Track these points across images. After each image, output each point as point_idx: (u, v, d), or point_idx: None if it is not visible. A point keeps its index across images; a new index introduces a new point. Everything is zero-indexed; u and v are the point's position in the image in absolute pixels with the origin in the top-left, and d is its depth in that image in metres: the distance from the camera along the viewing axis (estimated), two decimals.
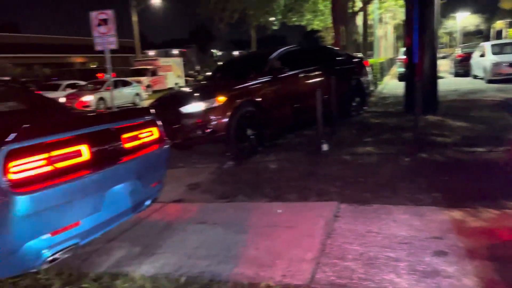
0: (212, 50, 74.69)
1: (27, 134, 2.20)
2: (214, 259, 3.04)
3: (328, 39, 32.71)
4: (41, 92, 17.74)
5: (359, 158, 5.37)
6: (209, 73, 10.88)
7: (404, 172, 4.65)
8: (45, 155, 2.27)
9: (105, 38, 10.09)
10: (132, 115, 3.26)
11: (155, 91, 26.50)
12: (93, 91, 18.34)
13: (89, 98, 17.51)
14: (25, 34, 42.91)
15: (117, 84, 18.32)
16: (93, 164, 2.55)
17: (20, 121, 2.61)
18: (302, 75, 7.02)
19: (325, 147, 5.67)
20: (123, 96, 19.02)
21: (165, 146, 3.39)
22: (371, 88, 11.38)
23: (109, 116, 3.12)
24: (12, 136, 2.13)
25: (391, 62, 27.32)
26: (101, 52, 10.45)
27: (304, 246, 3.10)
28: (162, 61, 31.33)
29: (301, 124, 7.11)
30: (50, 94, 18.97)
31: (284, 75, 6.63)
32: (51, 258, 2.37)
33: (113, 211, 2.81)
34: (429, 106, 7.84)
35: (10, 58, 36.85)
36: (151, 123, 3.29)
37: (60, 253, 2.43)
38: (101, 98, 17.92)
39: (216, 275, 2.79)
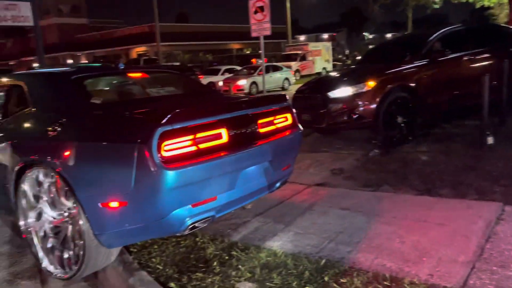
0: (363, 33, 72.18)
1: (178, 118, 2.45)
2: (356, 246, 3.00)
3: (501, 17, 28.29)
4: (203, 77, 19.81)
5: None
6: (359, 57, 10.55)
7: None
8: (191, 137, 2.51)
9: (261, 24, 10.63)
10: (269, 102, 3.34)
11: (303, 76, 26.98)
12: (247, 76, 19.66)
13: (243, 83, 18.87)
14: (193, 24, 48.01)
15: (268, 69, 19.24)
16: (230, 146, 2.74)
17: (175, 105, 2.95)
18: (466, 58, 6.25)
19: (490, 140, 4.99)
20: (274, 80, 19.93)
21: (298, 132, 3.44)
22: None
23: (247, 102, 3.25)
24: (165, 119, 2.39)
25: None
26: (256, 38, 11.06)
27: (457, 247, 2.82)
28: (312, 46, 31.58)
29: (461, 113, 6.39)
30: (211, 78, 21.00)
31: (445, 58, 6.01)
32: (191, 226, 2.63)
33: (245, 190, 2.98)
34: None
35: (180, 46, 41.80)
36: (286, 109, 3.37)
37: (198, 222, 2.67)
38: (254, 83, 19.10)
39: (357, 263, 2.76)
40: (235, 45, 47.40)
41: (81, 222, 2.66)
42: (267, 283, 2.59)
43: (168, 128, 2.39)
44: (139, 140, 2.38)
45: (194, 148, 2.52)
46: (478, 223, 3.14)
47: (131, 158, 2.37)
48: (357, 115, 5.54)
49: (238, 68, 22.74)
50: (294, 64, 27.26)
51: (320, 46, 32.63)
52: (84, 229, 2.65)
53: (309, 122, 6.21)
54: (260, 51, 11.47)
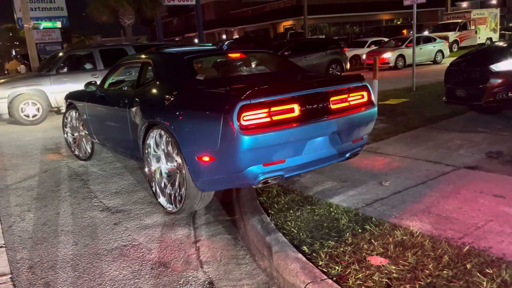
0: None
1: (255, 94, 2.99)
2: (508, 237, 2.69)
3: None
4: (347, 50, 19.24)
5: None
6: None
7: None
8: (266, 110, 3.03)
9: None
10: (344, 81, 3.72)
11: (462, 48, 24.09)
12: (393, 48, 18.36)
13: (388, 55, 17.71)
14: None
15: (418, 41, 17.56)
16: (301, 119, 3.18)
17: (260, 82, 3.57)
18: None
19: None
20: (424, 53, 18.13)
21: (372, 109, 3.76)
22: None
23: (322, 81, 3.64)
24: (245, 95, 2.95)
25: None
26: (409, 7, 10.23)
27: None
28: (475, 13, 27.75)
29: None
30: (356, 51, 20.38)
31: None
32: (263, 180, 3.21)
33: (312, 157, 3.45)
34: None
35: (327, 18, 41.19)
36: (363, 88, 3.72)
37: (270, 179, 3.24)
38: (401, 55, 17.78)
39: (508, 255, 2.48)
40: (384, 16, 44.60)
41: (183, 171, 3.45)
42: (401, 261, 2.53)
43: (247, 102, 2.95)
44: (224, 111, 2.98)
45: (268, 119, 3.04)
46: None
47: (218, 125, 3.02)
48: None
49: (386, 40, 21.42)
50: (452, 35, 24.47)
51: (486, 13, 28.43)
52: (186, 176, 3.42)
53: (464, 98, 5.63)
54: (412, 21, 10.61)
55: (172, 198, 3.76)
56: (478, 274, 2.31)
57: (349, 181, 4.08)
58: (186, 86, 3.81)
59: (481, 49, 7.22)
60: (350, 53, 19.42)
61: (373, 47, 20.43)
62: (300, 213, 3.38)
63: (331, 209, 3.41)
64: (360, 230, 2.99)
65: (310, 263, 2.56)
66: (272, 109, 3.05)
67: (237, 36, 42.43)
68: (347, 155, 3.78)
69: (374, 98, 3.85)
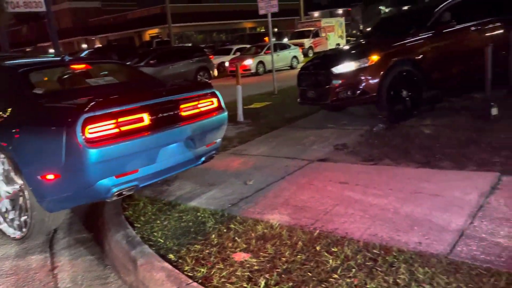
0: (379, 7, 70.30)
1: (99, 106, 2.93)
2: (350, 217, 3.07)
3: None
4: (213, 57, 19.68)
5: None
6: (368, 29, 10.32)
7: None
8: (113, 121, 2.97)
9: (268, 1, 10.51)
10: (192, 89, 3.88)
11: (316, 53, 26.63)
12: (254, 55, 19.24)
13: (249, 62, 18.44)
14: (205, 4, 47.48)
15: (275, 48, 18.79)
16: (151, 128, 3.19)
17: (106, 94, 3.36)
18: (473, 28, 6.11)
19: (494, 111, 4.94)
20: (282, 59, 19.35)
21: (222, 114, 3.92)
22: None
23: (170, 90, 3.74)
24: (88, 107, 2.88)
25: None
26: (265, 16, 10.95)
27: (449, 216, 2.87)
28: (324, 22, 31.08)
29: (471, 86, 6.29)
30: (222, 59, 20.95)
31: (450, 29, 5.89)
32: (117, 193, 3.14)
33: (167, 164, 3.49)
34: None
35: (193, 26, 41.54)
36: (212, 95, 3.88)
37: (124, 190, 3.19)
38: (261, 62, 18.75)
39: (350, 233, 2.84)
40: (248, 24, 46.87)
41: (26, 192, 3.24)
42: (261, 253, 2.70)
43: (91, 114, 2.87)
44: (66, 125, 2.86)
45: (116, 130, 2.99)
46: (473, 193, 3.17)
47: (60, 140, 2.89)
48: (360, 90, 5.53)
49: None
50: (307, 41, 26.94)
51: (333, 22, 32.07)
52: (30, 197, 3.22)
53: (314, 99, 6.24)
54: (269, 29, 11.37)
55: (16, 223, 3.47)
56: (325, 253, 2.59)
57: (216, 184, 4.20)
58: (23, 101, 3.60)
59: (325, 53, 8.09)
60: (216, 60, 19.93)
61: (238, 54, 21.28)
62: (168, 222, 3.36)
63: (198, 213, 3.46)
64: (225, 230, 3.10)
65: (176, 270, 2.57)
66: (120, 119, 3.01)
67: (100, 45, 40.05)
68: (203, 159, 3.91)
69: (223, 103, 4.02)
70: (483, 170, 3.62)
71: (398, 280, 2.24)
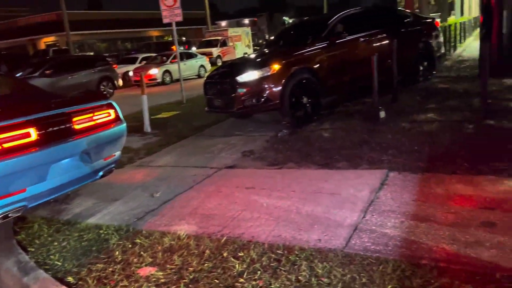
0: (284, 18, 73.57)
1: None
2: (256, 221, 3.16)
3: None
4: (117, 67, 18.84)
5: (418, 126, 5.12)
6: (271, 38, 10.78)
7: (465, 140, 4.36)
8: None
9: (172, 10, 10.41)
10: (85, 100, 3.66)
11: (225, 62, 26.97)
12: (159, 64, 18.77)
13: (154, 72, 17.82)
14: (107, 11, 45.47)
15: (182, 57, 18.51)
16: (40, 143, 2.99)
17: None
18: (363, 39, 6.72)
19: (382, 114, 5.46)
20: (189, 68, 19.09)
21: (120, 126, 3.79)
22: (444, 51, 10.47)
23: (60, 102, 3.51)
24: None
25: (475, 22, 24.80)
26: (170, 25, 10.81)
27: (344, 213, 3.10)
28: (231, 31, 31.57)
29: (362, 92, 6.88)
30: (127, 68, 20.17)
31: (342, 40, 6.40)
32: (2, 215, 2.90)
33: (61, 180, 3.26)
34: (510, 68, 7.12)
35: (95, 34, 39.43)
36: (108, 106, 3.71)
37: (9, 212, 2.94)
38: (167, 71, 18.35)
39: (255, 236, 2.92)
40: (154, 32, 45.84)
41: None
42: (168, 265, 2.65)
43: None
44: None
45: None
46: (365, 190, 3.46)
47: None
48: (264, 98, 5.73)
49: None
50: (215, 50, 27.10)
51: (240, 31, 32.75)
52: None
53: (221, 107, 6.31)
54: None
55: None
56: (232, 259, 2.64)
57: (121, 198, 4.03)
58: None
59: (230, 62, 8.24)
60: (121, 69, 19.09)
61: (144, 63, 20.65)
62: (67, 243, 3.15)
63: (101, 230, 3.29)
64: (130, 246, 2.99)
65: None
66: (1, 136, 2.78)
67: None
68: (101, 173, 3.73)
69: (121, 114, 3.89)
70: (373, 168, 3.97)
71: (300, 277, 2.36)
